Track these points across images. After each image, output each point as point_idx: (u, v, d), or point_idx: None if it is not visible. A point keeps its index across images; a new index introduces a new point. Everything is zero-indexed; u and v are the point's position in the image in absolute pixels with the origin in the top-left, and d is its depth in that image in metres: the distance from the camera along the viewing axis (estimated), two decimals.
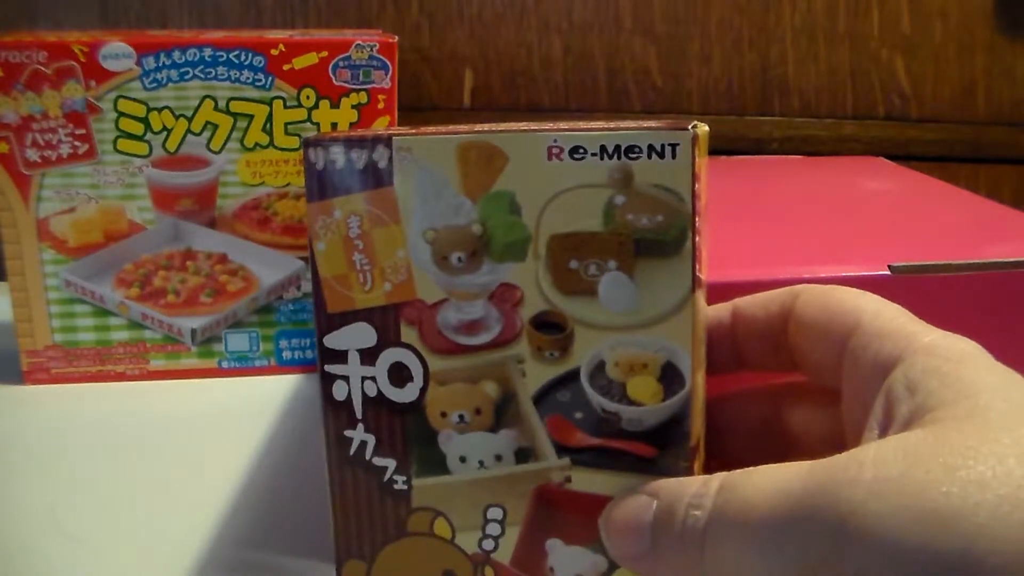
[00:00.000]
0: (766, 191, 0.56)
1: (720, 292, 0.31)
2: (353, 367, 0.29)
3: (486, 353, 0.28)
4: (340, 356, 0.29)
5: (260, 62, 0.52)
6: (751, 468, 0.24)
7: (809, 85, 0.81)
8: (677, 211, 0.26)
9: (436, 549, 0.29)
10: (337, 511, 0.30)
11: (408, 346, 0.28)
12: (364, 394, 0.29)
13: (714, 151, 0.82)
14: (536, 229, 0.27)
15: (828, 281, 0.33)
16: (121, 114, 0.52)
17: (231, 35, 0.53)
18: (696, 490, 0.24)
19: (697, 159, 0.26)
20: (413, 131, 0.28)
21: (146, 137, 0.53)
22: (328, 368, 0.29)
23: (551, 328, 0.27)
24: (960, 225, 0.46)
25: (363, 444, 0.29)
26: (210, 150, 0.54)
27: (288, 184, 0.55)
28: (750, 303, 0.30)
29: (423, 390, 0.28)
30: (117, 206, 0.54)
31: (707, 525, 0.23)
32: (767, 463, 0.30)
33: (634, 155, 0.26)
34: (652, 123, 0.26)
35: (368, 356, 0.29)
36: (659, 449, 0.27)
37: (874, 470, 0.21)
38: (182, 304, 0.56)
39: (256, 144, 0.54)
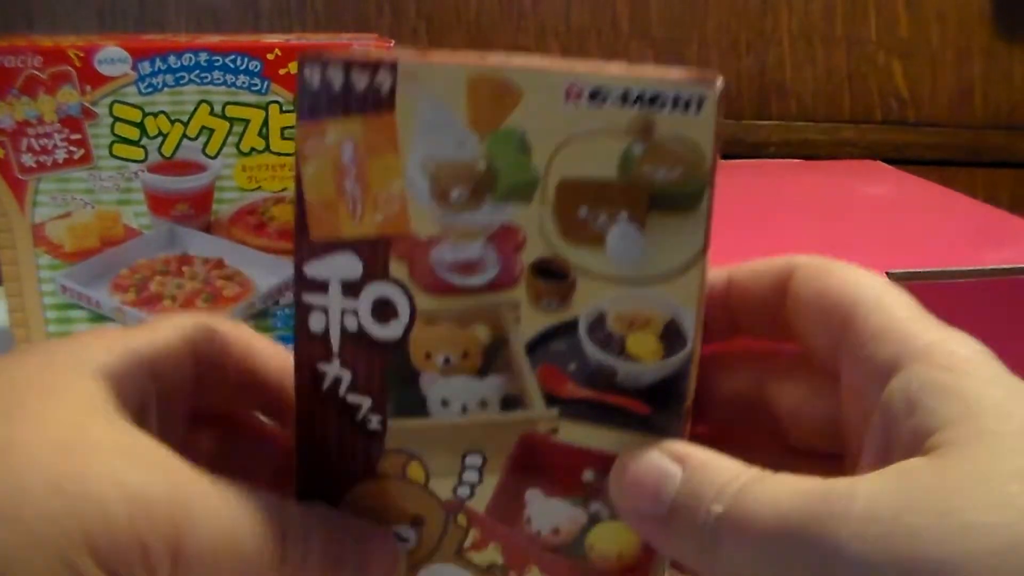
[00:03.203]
0: (763, 195, 0.56)
1: None
2: (334, 299, 0.27)
3: (480, 295, 0.26)
4: (320, 286, 0.27)
5: (256, 67, 0.52)
6: (771, 475, 0.23)
7: (806, 89, 0.81)
8: (697, 167, 0.24)
9: (407, 493, 0.28)
10: (303, 448, 0.28)
11: (396, 281, 0.26)
12: (344, 328, 0.27)
13: None
14: (546, 172, 0.25)
15: None
16: (117, 119, 0.52)
17: (227, 40, 0.53)
18: (727, 479, 0.24)
19: (718, 117, 0.24)
20: (421, 57, 0.26)
21: (142, 142, 0.53)
22: (306, 298, 0.27)
23: (552, 276, 0.26)
24: (958, 230, 0.46)
25: (337, 380, 0.27)
26: (206, 155, 0.53)
27: (285, 189, 0.55)
28: (745, 274, 0.29)
29: (408, 328, 0.27)
30: (113, 211, 0.54)
31: (719, 522, 0.23)
32: (755, 435, 0.29)
33: (658, 105, 0.24)
34: (678, 72, 0.24)
35: (351, 289, 0.27)
36: (653, 407, 0.26)
37: (865, 505, 0.21)
38: (178, 309, 0.56)
39: (252, 149, 0.54)
